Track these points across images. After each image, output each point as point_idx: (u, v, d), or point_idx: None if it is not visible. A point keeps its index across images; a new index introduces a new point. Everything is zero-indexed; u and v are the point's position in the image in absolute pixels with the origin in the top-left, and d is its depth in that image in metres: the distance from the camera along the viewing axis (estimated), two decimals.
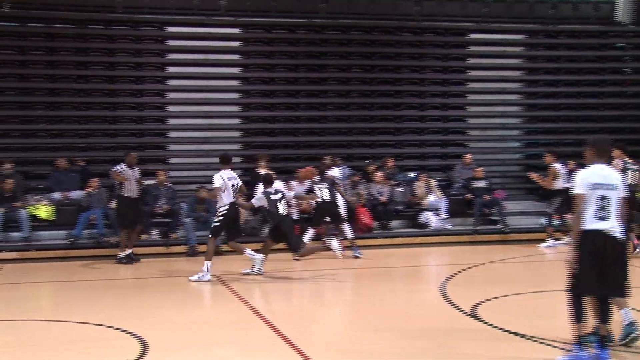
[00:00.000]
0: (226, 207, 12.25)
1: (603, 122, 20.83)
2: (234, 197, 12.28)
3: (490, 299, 10.19)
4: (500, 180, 19.33)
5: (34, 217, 15.66)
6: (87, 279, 13.01)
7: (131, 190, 14.37)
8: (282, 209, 12.30)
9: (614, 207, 6.89)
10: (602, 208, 6.88)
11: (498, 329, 8.51)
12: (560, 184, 15.36)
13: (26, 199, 15.92)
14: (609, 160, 7.36)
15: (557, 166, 15.59)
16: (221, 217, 12.28)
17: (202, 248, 15.46)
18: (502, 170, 20.21)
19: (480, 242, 16.89)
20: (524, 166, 20.28)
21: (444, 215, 17.53)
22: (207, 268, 11.93)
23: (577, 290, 6.94)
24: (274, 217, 12.34)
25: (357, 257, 14.43)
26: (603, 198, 6.90)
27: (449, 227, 17.49)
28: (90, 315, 9.41)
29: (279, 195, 12.41)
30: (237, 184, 12.39)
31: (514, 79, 21.38)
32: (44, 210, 15.79)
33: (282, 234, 12.39)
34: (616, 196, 6.93)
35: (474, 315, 9.23)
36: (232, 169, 12.64)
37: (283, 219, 12.32)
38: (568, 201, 14.38)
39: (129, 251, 14.40)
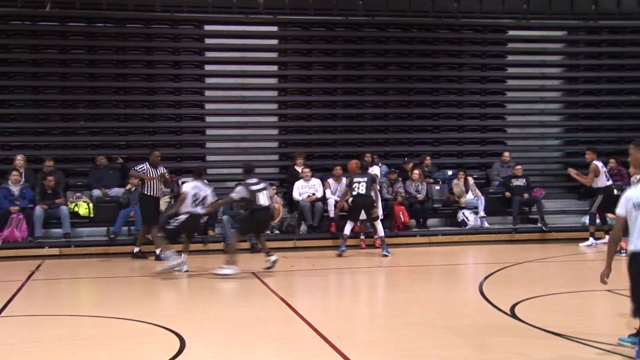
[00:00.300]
0: (185, 215, 12.35)
1: None
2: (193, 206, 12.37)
3: (529, 299, 10.04)
4: (540, 179, 19.19)
5: (74, 214, 15.82)
6: (126, 275, 13.07)
7: (153, 189, 14.47)
8: (262, 199, 12.08)
9: None
10: None
11: (536, 328, 8.37)
12: (601, 182, 15.11)
13: (66, 196, 16.09)
14: None
15: (598, 164, 15.31)
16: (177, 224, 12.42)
17: (239, 245, 15.56)
18: (542, 168, 20.00)
19: (519, 241, 16.72)
20: (564, 164, 19.97)
21: (482, 214, 17.38)
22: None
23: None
24: (251, 207, 12.12)
25: (385, 256, 14.32)
26: None
27: (486, 225, 17.34)
28: (130, 311, 9.43)
29: (260, 186, 12.16)
30: (202, 197, 12.42)
31: (554, 76, 21.08)
32: (84, 207, 15.92)
33: (257, 224, 12.34)
34: None
35: (512, 315, 9.10)
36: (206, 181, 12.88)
37: (261, 209, 12.13)
38: (609, 199, 14.20)
39: (139, 248, 14.69)
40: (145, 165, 14.39)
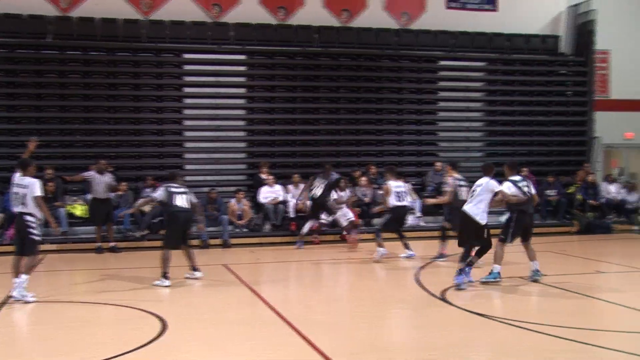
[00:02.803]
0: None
1: (551, 136, 20.91)
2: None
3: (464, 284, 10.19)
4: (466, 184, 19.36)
5: (71, 215, 15.65)
6: (116, 267, 12.95)
7: (99, 192, 14.60)
8: (180, 202, 10.87)
9: None
10: None
11: (461, 309, 8.52)
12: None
13: (64, 200, 15.90)
14: None
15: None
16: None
17: (212, 242, 15.53)
18: (468, 175, 20.14)
19: (449, 237, 16.85)
20: None
21: (419, 214, 17.55)
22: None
23: None
24: (167, 209, 11.00)
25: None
26: None
27: (422, 224, 17.52)
28: (120, 297, 9.38)
29: (180, 190, 11.00)
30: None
31: (476, 99, 21.36)
32: (79, 209, 15.74)
33: (176, 225, 10.92)
34: None
35: (442, 298, 9.24)
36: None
37: (177, 210, 10.82)
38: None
39: (99, 244, 14.68)
40: (92, 172, 14.52)
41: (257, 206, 16.89)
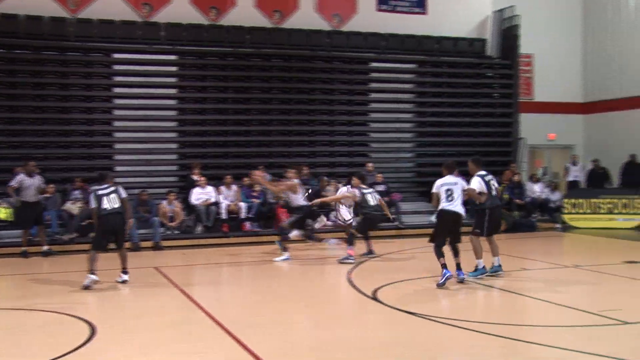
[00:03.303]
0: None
1: (478, 136, 21.41)
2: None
3: (388, 284, 10.34)
4: (397, 184, 19.67)
5: None
6: (43, 272, 12.60)
7: (29, 195, 14.17)
8: (107, 204, 10.54)
9: None
10: None
11: (393, 308, 8.65)
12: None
13: None
14: None
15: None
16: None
17: (144, 244, 15.28)
18: (398, 176, 20.53)
19: (380, 237, 17.05)
20: (416, 173, 20.68)
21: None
22: None
23: None
24: (98, 212, 10.57)
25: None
26: None
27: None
28: (47, 302, 9.13)
29: (107, 191, 10.68)
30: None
31: (406, 100, 21.70)
32: (4, 212, 15.19)
33: (104, 229, 10.62)
34: None
35: (374, 298, 9.35)
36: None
37: (106, 214, 10.53)
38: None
39: (24, 248, 14.23)
40: (21, 175, 14.11)
41: (189, 208, 16.71)
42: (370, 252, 13.78)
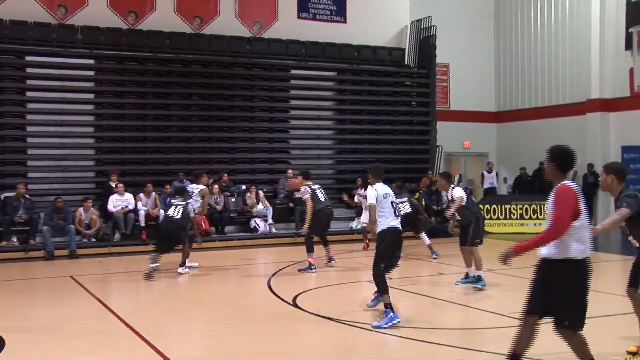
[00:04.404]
0: None
1: (397, 144, 21.82)
2: None
3: (307, 290, 10.43)
4: None
5: None
6: None
7: None
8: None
9: None
10: None
11: (312, 314, 8.74)
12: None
13: None
14: None
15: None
16: None
17: (58, 252, 14.87)
18: (319, 183, 20.59)
19: (300, 244, 17.10)
20: (336, 180, 20.89)
21: (270, 221, 17.74)
22: None
23: None
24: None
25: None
26: None
27: (274, 231, 17.72)
28: None
29: None
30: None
31: (327, 108, 21.91)
32: None
33: None
34: None
35: (294, 304, 9.42)
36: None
37: None
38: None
39: None
40: None
41: (106, 215, 16.37)
42: (330, 259, 13.21)
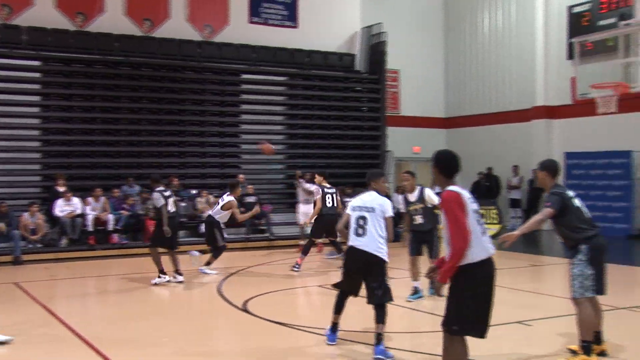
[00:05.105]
0: None
1: (348, 149, 21.99)
2: None
3: (258, 295, 10.45)
4: (268, 196, 19.84)
5: None
6: None
7: None
8: None
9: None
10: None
11: (264, 319, 8.77)
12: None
13: None
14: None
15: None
16: None
17: (2, 259, 14.56)
18: (269, 187, 20.72)
19: (251, 248, 17.18)
20: (287, 184, 20.93)
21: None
22: None
23: None
24: None
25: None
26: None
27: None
28: None
29: None
30: None
31: (278, 112, 21.93)
32: None
33: None
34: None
35: (245, 309, 9.43)
36: None
37: None
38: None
39: None
40: None
41: (53, 220, 16.09)
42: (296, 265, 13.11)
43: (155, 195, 11.85)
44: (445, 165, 5.36)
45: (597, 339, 6.77)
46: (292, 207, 18.90)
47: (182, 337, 8.07)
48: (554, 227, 6.75)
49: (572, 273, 6.63)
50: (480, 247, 5.11)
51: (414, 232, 10.06)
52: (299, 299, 10.58)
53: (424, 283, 9.99)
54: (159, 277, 11.87)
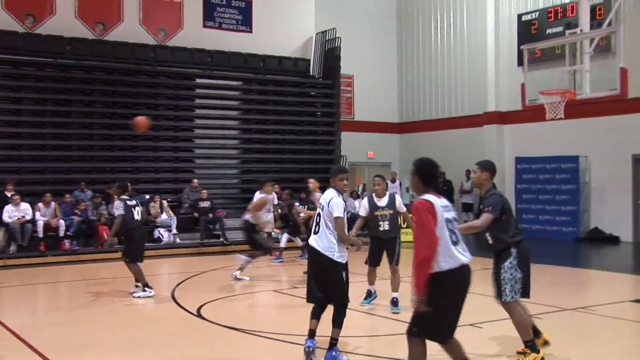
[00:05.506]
0: None
1: (302, 154, 22.04)
2: None
3: (212, 301, 10.41)
4: (222, 201, 19.76)
5: None
6: None
7: None
8: None
9: None
10: None
11: (218, 324, 8.74)
12: None
13: None
14: None
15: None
16: None
17: None
18: (223, 192, 20.62)
19: (205, 254, 17.07)
20: (241, 189, 20.88)
21: (174, 231, 17.54)
22: None
23: None
24: None
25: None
26: None
27: (178, 241, 17.53)
28: None
29: None
30: None
31: (232, 117, 21.88)
32: None
33: None
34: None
35: (199, 315, 9.38)
36: None
37: None
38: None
39: None
40: None
41: (1, 225, 15.72)
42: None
43: (117, 203, 11.17)
44: (425, 173, 5.41)
45: (536, 332, 6.95)
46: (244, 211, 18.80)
47: (136, 344, 7.99)
48: (487, 228, 6.74)
49: (503, 277, 6.70)
50: (450, 255, 5.16)
51: (375, 238, 9.64)
52: (252, 304, 10.55)
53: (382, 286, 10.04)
54: (144, 290, 11.00)
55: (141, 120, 11.32)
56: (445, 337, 5.31)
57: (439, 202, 5.27)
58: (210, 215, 17.89)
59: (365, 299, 9.94)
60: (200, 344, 7.94)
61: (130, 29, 20.28)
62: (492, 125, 22.36)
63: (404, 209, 9.76)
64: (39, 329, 9.02)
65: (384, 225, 9.55)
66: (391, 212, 9.58)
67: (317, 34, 23.54)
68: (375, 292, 10.00)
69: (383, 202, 9.63)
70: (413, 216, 5.24)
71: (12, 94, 18.38)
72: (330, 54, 23.12)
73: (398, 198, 9.80)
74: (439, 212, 5.21)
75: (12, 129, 18.11)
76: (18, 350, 7.60)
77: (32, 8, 19.03)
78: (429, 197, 5.27)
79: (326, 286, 6.84)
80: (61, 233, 16.01)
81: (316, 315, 6.93)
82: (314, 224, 6.98)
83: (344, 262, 6.87)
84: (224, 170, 21.20)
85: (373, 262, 9.76)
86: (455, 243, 5.25)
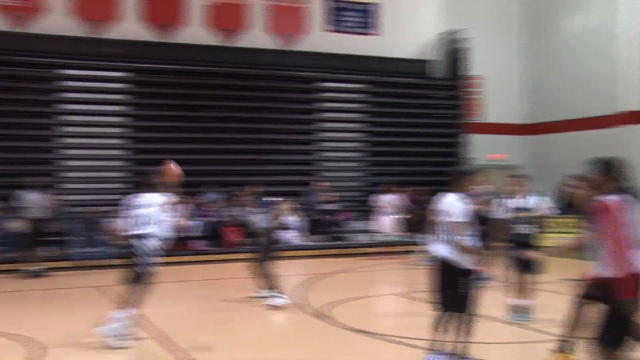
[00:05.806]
0: None
1: (427, 156, 21.53)
2: None
3: (338, 302, 10.27)
4: (346, 204, 19.54)
5: None
6: None
7: None
8: None
9: None
10: None
11: (345, 327, 8.60)
12: None
13: None
14: None
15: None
16: None
17: None
18: (347, 195, 20.41)
19: (330, 256, 16.96)
20: (363, 192, 20.53)
21: (301, 234, 17.54)
22: None
23: None
24: None
25: None
26: None
27: (307, 243, 17.49)
28: None
29: None
30: None
31: (355, 120, 21.76)
32: None
33: None
34: None
35: (324, 316, 9.28)
36: None
37: None
38: None
39: None
40: None
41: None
42: None
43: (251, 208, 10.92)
44: (618, 173, 5.29)
45: None
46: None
47: (264, 342, 7.96)
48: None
49: None
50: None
51: (516, 243, 8.93)
52: (381, 306, 10.33)
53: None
54: (276, 295, 10.36)
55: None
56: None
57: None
58: (335, 217, 17.83)
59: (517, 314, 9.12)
60: (330, 345, 7.80)
61: (254, 35, 20.55)
62: (633, 126, 21.00)
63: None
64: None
65: (522, 228, 8.98)
66: (529, 214, 9.02)
67: (442, 34, 22.97)
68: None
69: (523, 203, 9.07)
70: (600, 216, 5.04)
71: (150, 101, 19.10)
72: (456, 55, 22.51)
73: (538, 199, 9.19)
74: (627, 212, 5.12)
75: (154, 134, 18.75)
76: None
77: (166, 17, 19.72)
78: (616, 197, 5.13)
79: (452, 294, 6.45)
80: (192, 233, 16.36)
81: (443, 326, 6.56)
82: (437, 229, 6.57)
83: (471, 269, 6.45)
84: (349, 173, 21.11)
85: (520, 268, 9.07)
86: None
